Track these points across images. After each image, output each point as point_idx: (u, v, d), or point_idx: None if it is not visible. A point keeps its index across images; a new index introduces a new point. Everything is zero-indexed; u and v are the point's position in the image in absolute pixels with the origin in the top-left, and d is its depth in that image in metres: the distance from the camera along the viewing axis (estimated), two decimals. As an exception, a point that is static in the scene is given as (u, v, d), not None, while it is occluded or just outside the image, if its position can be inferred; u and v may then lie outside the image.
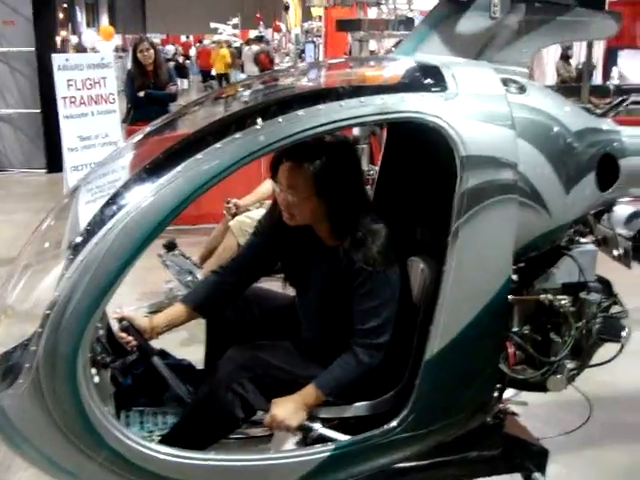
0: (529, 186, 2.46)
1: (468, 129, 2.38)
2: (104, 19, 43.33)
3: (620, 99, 4.22)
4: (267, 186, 5.52)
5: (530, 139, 2.48)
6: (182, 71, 23.50)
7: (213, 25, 31.90)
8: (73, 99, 6.99)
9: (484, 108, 2.45)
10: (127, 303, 5.11)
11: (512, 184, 2.41)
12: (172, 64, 23.61)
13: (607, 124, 2.91)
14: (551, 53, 12.75)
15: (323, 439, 2.53)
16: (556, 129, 2.59)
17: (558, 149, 2.57)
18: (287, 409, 2.53)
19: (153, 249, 2.46)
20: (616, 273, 2.97)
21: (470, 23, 2.73)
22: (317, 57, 13.84)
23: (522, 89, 2.58)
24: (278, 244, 2.79)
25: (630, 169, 2.84)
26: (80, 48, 22.76)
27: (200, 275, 5.01)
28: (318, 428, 2.54)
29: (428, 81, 2.50)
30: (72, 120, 6.99)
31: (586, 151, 2.69)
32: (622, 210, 3.00)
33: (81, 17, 41.10)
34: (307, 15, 19.04)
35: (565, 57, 12.37)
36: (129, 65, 12.24)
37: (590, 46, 3.09)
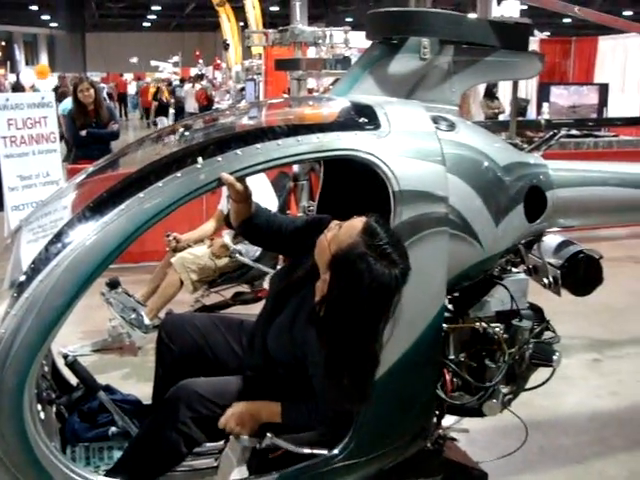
0: (460, 218, 2.56)
1: (400, 165, 2.48)
2: (43, 57, 43.03)
3: (551, 133, 4.41)
4: (210, 225, 5.60)
5: (460, 174, 2.59)
6: (165, 109, 22.82)
7: (154, 63, 31.94)
8: (14, 138, 6.96)
9: (415, 145, 2.56)
10: (70, 342, 5.11)
11: (443, 217, 2.51)
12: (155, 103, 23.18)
13: (534, 158, 3.05)
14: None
15: (275, 448, 2.55)
16: (485, 164, 2.71)
17: (487, 183, 2.69)
18: (243, 416, 2.56)
19: (96, 287, 2.49)
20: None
21: (401, 64, 2.84)
22: (258, 95, 13.94)
23: (452, 126, 2.70)
24: (297, 248, 2.80)
25: (556, 200, 2.97)
26: (18, 87, 22.53)
27: (144, 312, 5.02)
28: (270, 437, 2.54)
29: (362, 120, 2.60)
30: (12, 159, 6.94)
31: (514, 184, 2.81)
32: (551, 240, 3.13)
33: (20, 55, 40.74)
34: (247, 53, 19.21)
35: (490, 95, 12.74)
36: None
37: (516, 84, 3.24)
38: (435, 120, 2.68)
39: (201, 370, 2.88)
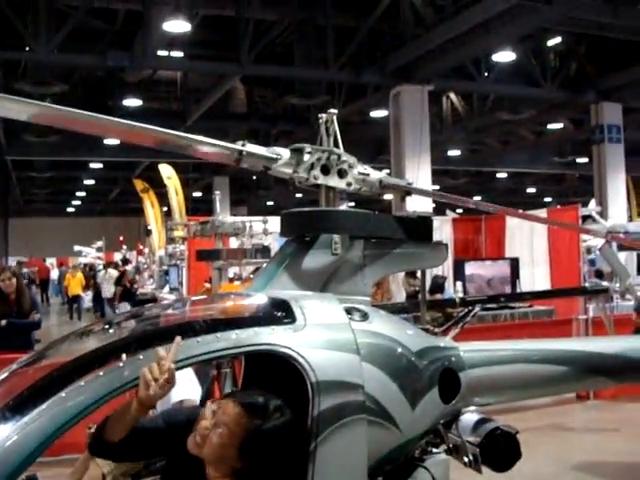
0: (376, 405, 2.65)
1: (316, 357, 2.59)
2: (-36, 244, 42.60)
3: (466, 311, 4.60)
4: None
5: (374, 362, 2.70)
6: (128, 295, 21.14)
7: (77, 248, 32.05)
8: None
9: (330, 336, 2.68)
10: None
11: (360, 404, 2.60)
12: (119, 288, 20.59)
13: (444, 342, 3.20)
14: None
15: None
16: (398, 351, 2.84)
17: (401, 369, 2.81)
18: None
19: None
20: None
21: (314, 259, 3.00)
22: (181, 280, 14.10)
23: (365, 317, 2.84)
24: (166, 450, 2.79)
25: (469, 381, 3.10)
26: None
27: (63, 511, 4.82)
28: None
29: (278, 314, 2.73)
30: None
31: (428, 368, 2.94)
32: (469, 417, 3.22)
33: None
34: (171, 237, 19.48)
35: (410, 274, 13.17)
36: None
37: (423, 272, 3.44)
38: (349, 311, 2.82)
39: None
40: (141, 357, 2.45)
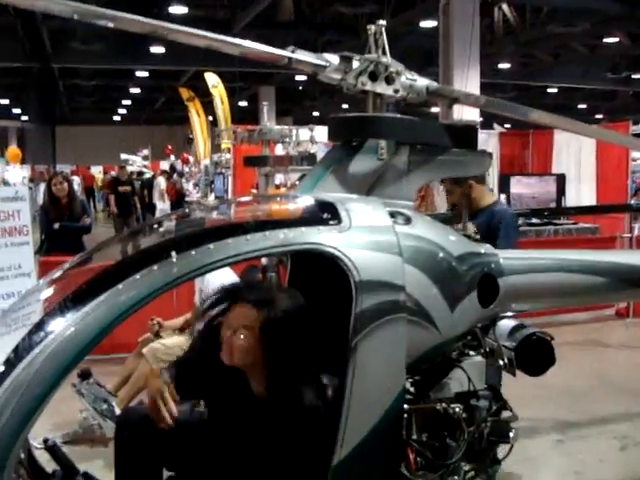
0: (417, 305, 2.76)
1: (361, 257, 2.68)
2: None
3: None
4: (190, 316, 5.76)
5: (416, 264, 2.79)
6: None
7: (123, 156, 32.27)
8: (-14, 231, 7.06)
9: (374, 238, 2.77)
10: (40, 434, 5.11)
11: (401, 304, 2.71)
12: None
13: (485, 248, 3.27)
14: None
15: None
16: (439, 254, 2.92)
17: (442, 272, 2.89)
18: None
19: (66, 379, 2.56)
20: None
21: (360, 164, 3.07)
22: (226, 189, 14.20)
23: (408, 220, 2.92)
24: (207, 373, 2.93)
25: (508, 287, 3.17)
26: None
27: (115, 403, 5.08)
28: None
29: (325, 216, 2.81)
30: (-16, 252, 7.04)
31: (467, 272, 3.02)
32: (505, 323, 3.32)
33: (-11, 149, 40.96)
34: (217, 146, 19.53)
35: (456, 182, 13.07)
36: (39, 196, 12.34)
37: (467, 181, 3.49)
38: (392, 215, 2.90)
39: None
40: (193, 253, 2.56)
